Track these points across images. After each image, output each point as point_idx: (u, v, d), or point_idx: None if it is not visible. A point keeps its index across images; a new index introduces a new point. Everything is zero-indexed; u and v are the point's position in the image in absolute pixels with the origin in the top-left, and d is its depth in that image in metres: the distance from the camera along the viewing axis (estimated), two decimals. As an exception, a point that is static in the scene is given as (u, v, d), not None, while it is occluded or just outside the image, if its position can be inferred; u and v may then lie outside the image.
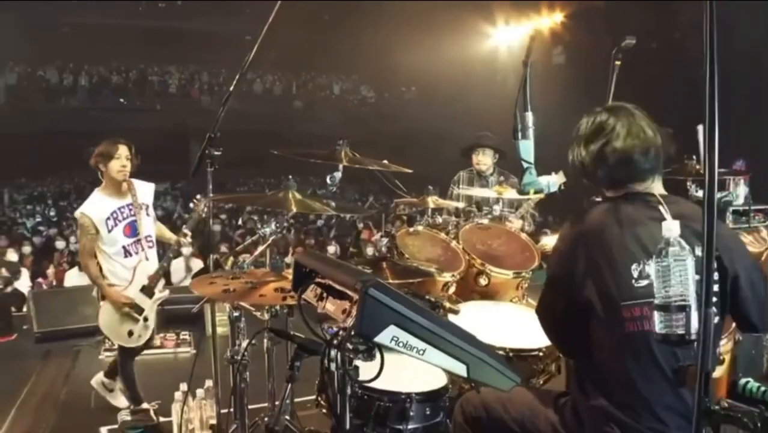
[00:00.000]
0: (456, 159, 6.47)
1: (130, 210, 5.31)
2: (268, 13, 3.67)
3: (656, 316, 2.00)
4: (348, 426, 2.07)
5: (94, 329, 7.76)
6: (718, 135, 1.72)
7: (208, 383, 4.87)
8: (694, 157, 4.81)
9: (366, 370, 2.02)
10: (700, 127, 2.63)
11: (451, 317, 3.43)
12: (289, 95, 32.66)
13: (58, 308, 8.19)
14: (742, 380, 3.79)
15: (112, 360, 5.70)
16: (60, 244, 14.19)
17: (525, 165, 2.64)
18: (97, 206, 5.22)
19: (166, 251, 5.73)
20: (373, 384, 2.65)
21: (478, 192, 5.32)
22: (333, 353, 2.01)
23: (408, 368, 3.17)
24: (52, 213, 23.16)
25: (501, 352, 3.31)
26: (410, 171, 4.55)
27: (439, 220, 4.93)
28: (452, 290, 4.21)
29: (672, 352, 2.29)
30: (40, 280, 11.43)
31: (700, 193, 4.82)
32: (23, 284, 10.64)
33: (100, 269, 5.20)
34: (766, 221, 6.32)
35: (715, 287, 2.41)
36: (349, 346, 1.91)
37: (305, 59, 29.50)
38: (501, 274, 4.27)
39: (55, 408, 5.84)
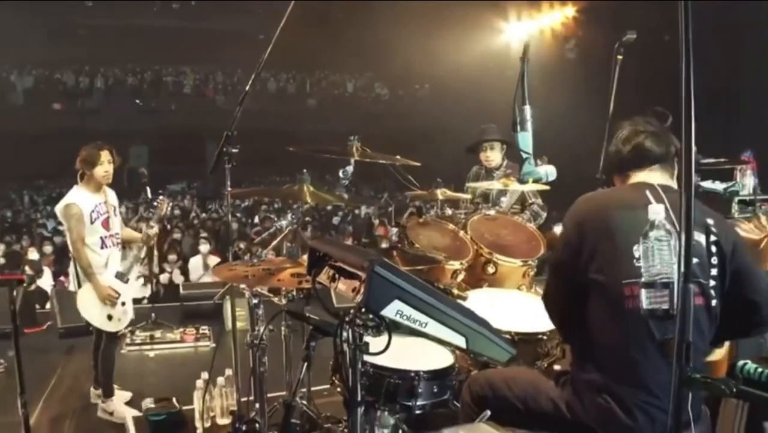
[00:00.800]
0: (466, 155, 6.52)
1: (105, 207, 5.64)
2: (282, 12, 3.80)
3: (643, 293, 2.15)
4: (359, 399, 2.23)
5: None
6: (694, 122, 1.83)
7: (229, 371, 5.07)
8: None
9: (376, 346, 2.19)
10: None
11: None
12: (303, 94, 32.73)
13: (80, 303, 8.38)
14: (740, 362, 3.91)
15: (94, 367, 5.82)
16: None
17: (524, 156, 2.80)
18: (83, 199, 5.53)
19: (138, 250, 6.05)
20: (383, 362, 2.85)
21: (485, 185, 5.45)
22: (345, 333, 2.18)
23: (417, 350, 3.35)
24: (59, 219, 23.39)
25: (506, 336, 3.45)
26: (418, 164, 4.71)
27: (449, 212, 5.08)
28: (461, 277, 4.35)
29: (666, 328, 2.42)
30: (62, 278, 11.65)
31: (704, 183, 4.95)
32: (45, 282, 10.87)
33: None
34: (774, 212, 6.43)
35: (714, 271, 2.59)
36: (359, 322, 2.08)
37: (319, 58, 29.55)
38: (508, 262, 4.42)
39: (80, 399, 6.01)
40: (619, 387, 2.54)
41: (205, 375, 4.97)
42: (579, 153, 5.22)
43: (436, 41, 20.70)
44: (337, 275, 2.27)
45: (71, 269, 5.74)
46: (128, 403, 5.76)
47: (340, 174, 4.16)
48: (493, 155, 6.06)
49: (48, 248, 12.81)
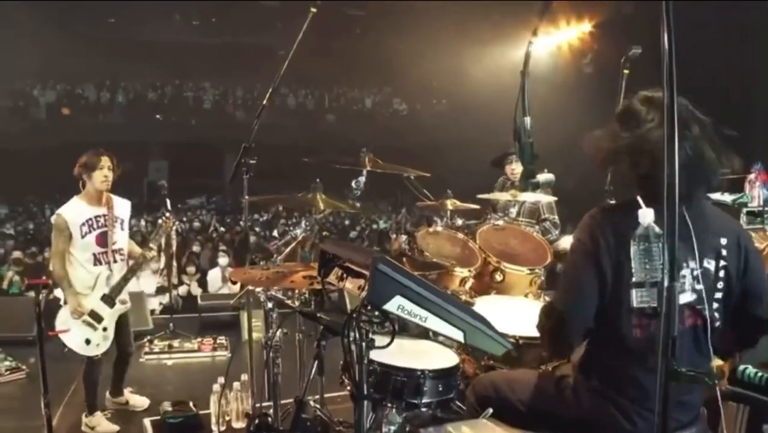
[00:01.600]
0: (483, 168, 6.63)
1: (105, 221, 5.48)
2: (302, 28, 3.96)
3: (633, 292, 2.26)
4: (366, 392, 2.36)
5: (135, 335, 8.13)
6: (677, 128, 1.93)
7: (245, 377, 5.20)
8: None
9: (381, 351, 2.33)
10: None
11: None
12: (322, 109, 32.84)
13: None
14: (741, 366, 4.01)
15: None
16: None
17: (524, 165, 2.92)
18: (74, 211, 5.40)
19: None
20: (389, 361, 2.97)
21: (494, 196, 5.54)
22: (352, 334, 2.31)
23: (423, 350, 3.48)
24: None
25: (512, 340, 3.56)
26: (428, 174, 4.85)
27: (459, 222, 5.19)
28: (469, 284, 4.48)
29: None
30: (81, 290, 11.80)
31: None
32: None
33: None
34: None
35: (719, 295, 2.65)
36: (365, 318, 2.22)
37: (338, 73, 29.76)
38: (515, 270, 4.53)
39: (99, 405, 6.11)
40: (621, 398, 2.62)
41: (221, 380, 5.08)
42: (591, 167, 5.31)
43: (454, 57, 20.87)
44: (345, 275, 2.41)
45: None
46: (146, 410, 5.86)
47: (353, 185, 4.30)
48: (519, 168, 6.10)
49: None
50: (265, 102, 4.33)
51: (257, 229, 19.67)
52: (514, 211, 5.24)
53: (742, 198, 5.19)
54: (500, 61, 19.31)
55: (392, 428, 3.17)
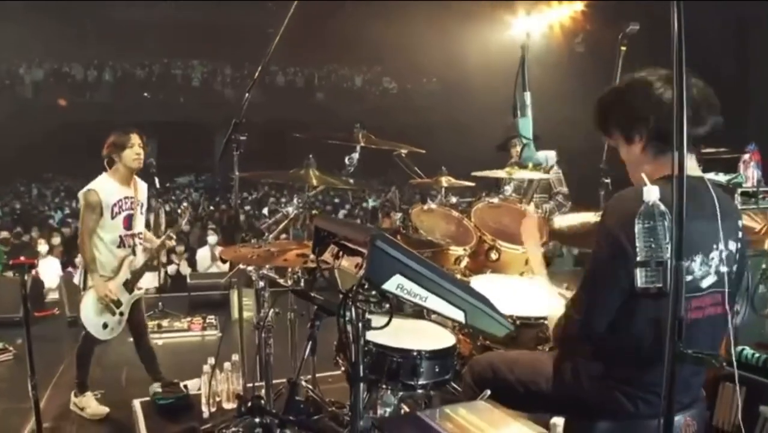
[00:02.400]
0: (477, 146, 6.55)
1: (132, 203, 5.35)
2: (291, 6, 3.87)
3: (637, 272, 2.19)
4: (362, 374, 2.29)
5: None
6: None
7: (235, 357, 5.14)
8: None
9: (383, 334, 2.26)
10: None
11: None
12: (312, 87, 32.79)
13: (89, 294, 8.46)
14: (738, 348, 3.99)
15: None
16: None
17: (524, 141, 2.84)
18: (107, 189, 5.22)
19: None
20: (385, 342, 2.91)
21: (486, 173, 5.46)
22: (348, 313, 2.24)
23: (419, 331, 3.42)
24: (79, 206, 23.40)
25: (509, 320, 3.48)
26: (423, 151, 4.77)
27: (453, 199, 5.12)
28: (464, 263, 4.41)
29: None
30: (70, 269, 11.74)
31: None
32: (54, 272, 10.96)
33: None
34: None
35: (735, 267, 2.57)
36: (362, 298, 2.15)
37: (327, 51, 29.64)
38: (511, 249, 4.46)
39: (89, 387, 6.04)
40: (627, 386, 2.56)
41: (211, 360, 5.02)
42: (583, 146, 5.26)
43: (444, 36, 20.80)
44: (340, 252, 2.33)
45: (81, 269, 5.57)
46: (137, 390, 5.74)
47: (346, 161, 4.22)
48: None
49: (56, 239, 12.88)
50: (255, 77, 4.24)
51: (247, 207, 19.60)
52: (509, 188, 5.13)
53: (737, 178, 5.14)
54: (490, 38, 19.23)
55: (387, 409, 3.12)
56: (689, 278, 2.38)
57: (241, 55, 28.38)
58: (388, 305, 2.15)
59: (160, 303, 8.82)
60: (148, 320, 7.84)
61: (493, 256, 4.44)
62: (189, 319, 8.19)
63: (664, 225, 2.19)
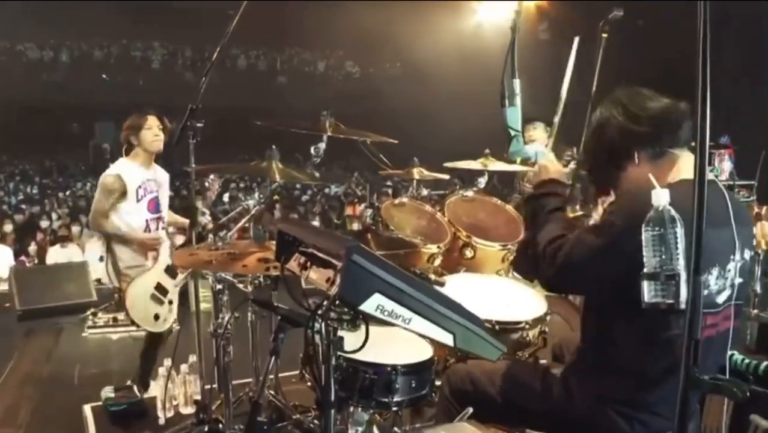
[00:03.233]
0: (445, 134, 6.35)
1: (155, 186, 5.22)
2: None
3: (645, 285, 1.96)
4: (333, 398, 2.04)
5: (76, 307, 7.78)
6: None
7: (192, 358, 4.85)
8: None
9: (351, 341, 1.99)
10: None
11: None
12: (274, 71, 32.55)
13: (40, 285, 8.13)
14: (728, 353, 3.79)
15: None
16: (44, 223, 14.09)
17: (512, 133, 2.58)
18: (129, 172, 5.07)
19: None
20: (357, 356, 2.63)
21: (462, 165, 5.21)
22: (317, 325, 1.98)
23: (393, 341, 3.15)
24: (35, 191, 22.92)
25: (487, 324, 3.27)
26: (395, 141, 4.51)
27: (424, 192, 4.87)
28: (438, 262, 4.17)
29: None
30: (22, 258, 11.34)
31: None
32: (4, 262, 10.54)
33: (114, 257, 5.07)
34: (750, 197, 6.35)
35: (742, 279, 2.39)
36: (333, 316, 1.88)
37: (289, 35, 29.36)
38: (487, 246, 4.23)
39: (38, 386, 5.76)
40: (623, 405, 2.38)
41: (167, 362, 4.74)
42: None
43: (408, 20, 20.59)
44: (308, 263, 2.05)
45: (107, 265, 5.25)
46: (90, 387, 5.43)
47: (312, 151, 3.94)
48: (537, 134, 5.88)
49: (8, 227, 12.44)
50: (213, 59, 3.95)
51: (207, 193, 19.13)
52: (483, 181, 4.88)
53: (713, 171, 4.99)
54: (454, 23, 19.06)
55: (359, 429, 2.84)
56: (704, 292, 2.15)
57: (201, 37, 27.93)
58: (363, 325, 1.87)
59: (115, 294, 8.45)
60: (102, 313, 7.67)
61: (468, 253, 4.20)
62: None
63: (676, 232, 1.95)
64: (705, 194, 1.71)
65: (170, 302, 5.00)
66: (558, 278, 2.46)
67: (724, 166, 5.14)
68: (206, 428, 3.06)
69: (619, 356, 2.37)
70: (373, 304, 1.70)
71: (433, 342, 3.23)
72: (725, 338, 2.36)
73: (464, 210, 4.58)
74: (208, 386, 4.29)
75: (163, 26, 29.06)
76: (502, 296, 3.80)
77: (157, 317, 4.93)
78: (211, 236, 3.64)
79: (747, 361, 3.79)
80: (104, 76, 29.71)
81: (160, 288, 4.94)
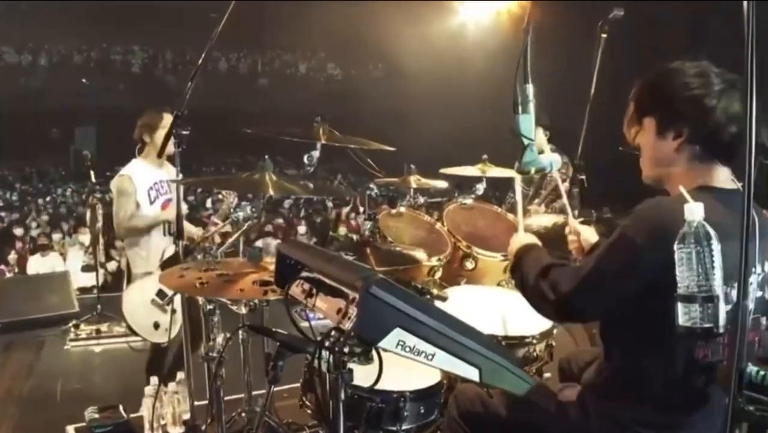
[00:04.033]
0: (430, 137, 6.23)
1: (168, 187, 5.09)
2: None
3: (680, 307, 1.82)
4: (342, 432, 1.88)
5: (59, 318, 7.57)
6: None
7: (180, 375, 4.67)
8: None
9: (359, 370, 1.83)
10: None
11: (439, 305, 3.25)
12: (255, 73, 32.47)
13: (20, 296, 7.91)
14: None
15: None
16: (18, 231, 13.84)
17: (526, 142, 2.41)
18: (140, 172, 4.96)
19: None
20: (363, 383, 2.47)
21: (457, 170, 5.07)
22: (325, 354, 1.81)
23: (398, 363, 2.99)
24: (14, 198, 22.62)
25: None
26: (393, 149, 4.37)
27: (420, 200, 4.73)
28: (438, 274, 4.02)
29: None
30: (2, 267, 11.13)
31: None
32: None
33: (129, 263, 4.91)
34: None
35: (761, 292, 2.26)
36: (344, 349, 1.71)
37: (270, 36, 29.23)
38: (488, 256, 4.09)
39: (19, 404, 5.56)
40: (645, 428, 2.25)
41: (154, 380, 4.56)
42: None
43: (390, 21, 20.46)
44: (314, 290, 1.87)
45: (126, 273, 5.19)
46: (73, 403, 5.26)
47: (305, 160, 3.77)
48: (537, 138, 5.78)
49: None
50: (199, 63, 3.78)
51: (190, 198, 18.90)
52: (481, 187, 4.74)
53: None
54: (437, 24, 18.96)
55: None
56: (728, 307, 1.99)
57: (182, 40, 27.79)
58: (377, 357, 1.71)
59: (98, 305, 8.25)
60: (85, 325, 7.46)
61: (469, 265, 4.07)
62: (133, 323, 7.65)
63: (712, 250, 1.80)
64: (751, 205, 1.64)
65: (174, 311, 4.66)
66: (570, 305, 2.27)
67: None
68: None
69: (639, 378, 2.24)
70: (393, 340, 1.53)
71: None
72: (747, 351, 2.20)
73: (463, 218, 4.46)
74: (197, 403, 4.14)
75: (143, 29, 28.87)
76: (505, 308, 3.65)
77: (157, 325, 4.74)
78: (201, 254, 3.47)
79: (763, 373, 3.66)
80: (84, 80, 29.43)
81: (162, 294, 4.73)
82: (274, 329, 2.32)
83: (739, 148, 2.09)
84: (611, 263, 2.17)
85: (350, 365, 1.79)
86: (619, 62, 4.65)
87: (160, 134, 4.87)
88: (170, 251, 4.81)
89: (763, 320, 2.35)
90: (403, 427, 2.64)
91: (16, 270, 11.25)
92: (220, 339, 3.49)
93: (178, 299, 4.48)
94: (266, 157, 3.26)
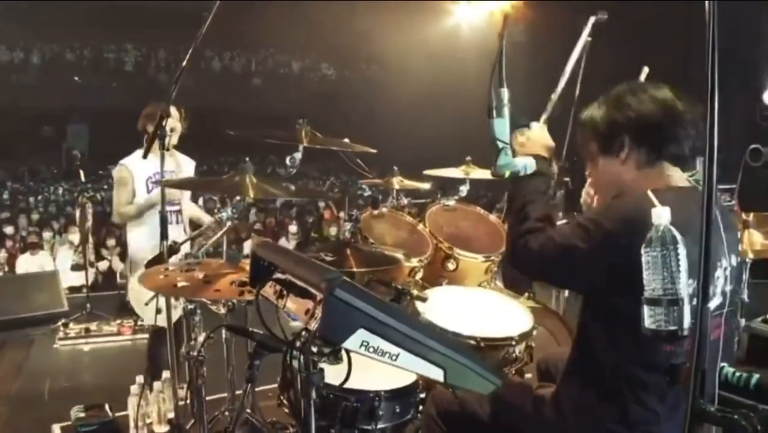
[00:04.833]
0: (421, 138, 6.25)
1: (170, 177, 4.99)
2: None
3: (645, 310, 1.86)
4: (313, 431, 1.90)
5: (48, 317, 7.59)
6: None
7: (166, 374, 4.69)
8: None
9: (332, 369, 1.86)
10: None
11: (419, 305, 3.28)
12: (248, 73, 32.36)
13: (9, 295, 7.93)
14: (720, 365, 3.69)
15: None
16: (9, 229, 13.79)
17: (501, 145, 2.45)
18: (139, 163, 4.94)
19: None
20: (338, 382, 2.50)
21: (440, 172, 5.08)
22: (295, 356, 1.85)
23: (374, 365, 3.02)
24: (5, 196, 22.53)
25: (472, 341, 3.16)
26: (374, 151, 4.38)
27: (404, 201, 4.75)
28: (419, 275, 4.04)
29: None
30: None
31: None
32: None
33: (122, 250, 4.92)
34: (731, 201, 6.28)
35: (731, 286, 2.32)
36: (313, 349, 1.74)
37: (264, 36, 29.14)
38: (470, 258, 4.12)
39: (7, 402, 5.58)
40: (618, 424, 2.29)
41: (140, 379, 4.58)
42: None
43: (383, 22, 20.45)
44: (285, 291, 1.91)
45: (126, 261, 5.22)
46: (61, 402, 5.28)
47: (288, 162, 3.77)
48: None
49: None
50: (184, 64, 3.77)
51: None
52: (464, 189, 4.76)
53: (695, 175, 4.89)
54: (431, 25, 18.98)
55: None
56: (693, 302, 2.03)
57: (175, 38, 27.67)
58: (346, 356, 1.74)
59: (88, 304, 8.27)
60: (74, 324, 7.49)
61: (450, 266, 4.09)
62: (119, 322, 7.66)
63: (678, 253, 1.84)
64: (712, 211, 1.66)
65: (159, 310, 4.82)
66: (525, 264, 2.43)
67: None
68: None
69: (609, 375, 2.29)
70: (357, 340, 1.57)
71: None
72: (716, 346, 2.25)
73: (445, 220, 4.48)
74: (182, 402, 4.16)
75: (136, 28, 28.74)
76: (486, 309, 3.69)
77: (159, 309, 4.77)
78: (182, 255, 3.48)
79: (738, 374, 3.69)
80: (76, 78, 29.29)
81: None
82: (251, 329, 2.35)
83: (684, 141, 2.18)
84: (572, 240, 2.25)
85: (323, 365, 1.83)
86: (604, 64, 4.67)
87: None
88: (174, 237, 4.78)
89: (742, 321, 2.39)
90: (379, 426, 2.66)
91: (6, 269, 11.22)
92: (201, 339, 3.50)
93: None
94: (247, 159, 3.28)
